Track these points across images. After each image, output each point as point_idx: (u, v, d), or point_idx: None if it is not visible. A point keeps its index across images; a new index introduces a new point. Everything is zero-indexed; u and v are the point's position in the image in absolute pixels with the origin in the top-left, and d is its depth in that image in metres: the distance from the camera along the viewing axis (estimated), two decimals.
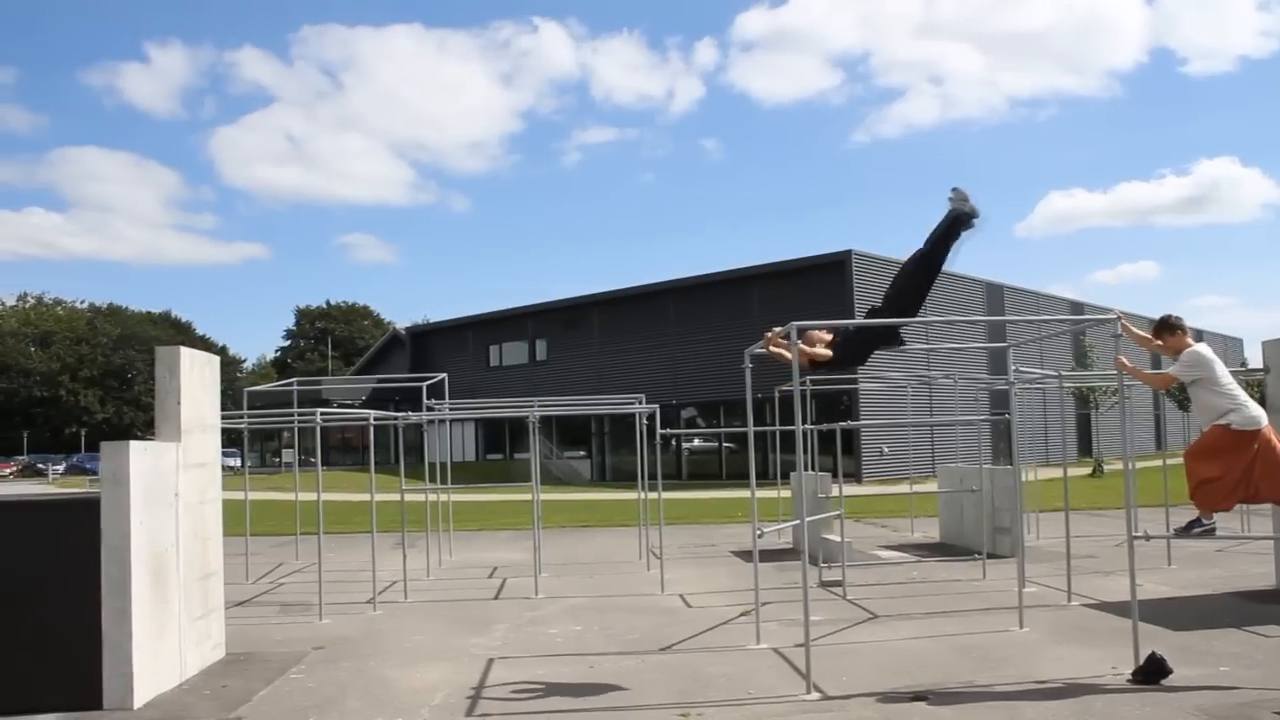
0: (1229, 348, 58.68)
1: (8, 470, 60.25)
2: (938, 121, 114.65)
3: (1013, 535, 11.32)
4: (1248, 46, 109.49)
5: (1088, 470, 34.40)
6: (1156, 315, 7.52)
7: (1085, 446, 42.54)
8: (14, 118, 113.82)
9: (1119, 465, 14.10)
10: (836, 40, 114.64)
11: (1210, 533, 7.33)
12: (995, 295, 41.95)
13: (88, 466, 53.55)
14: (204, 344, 79.94)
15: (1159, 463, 14.93)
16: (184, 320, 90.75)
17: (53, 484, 47.81)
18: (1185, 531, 7.43)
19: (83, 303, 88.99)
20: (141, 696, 6.68)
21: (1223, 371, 7.09)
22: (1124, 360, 7.51)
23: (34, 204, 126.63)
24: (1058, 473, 14.43)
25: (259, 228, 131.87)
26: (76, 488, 37.05)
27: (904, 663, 7.41)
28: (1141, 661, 6.62)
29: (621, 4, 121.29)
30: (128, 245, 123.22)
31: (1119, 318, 7.49)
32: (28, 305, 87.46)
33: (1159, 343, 7.49)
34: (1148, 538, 7.55)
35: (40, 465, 61.42)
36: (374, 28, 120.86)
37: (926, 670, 7.15)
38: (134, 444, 6.87)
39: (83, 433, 74.37)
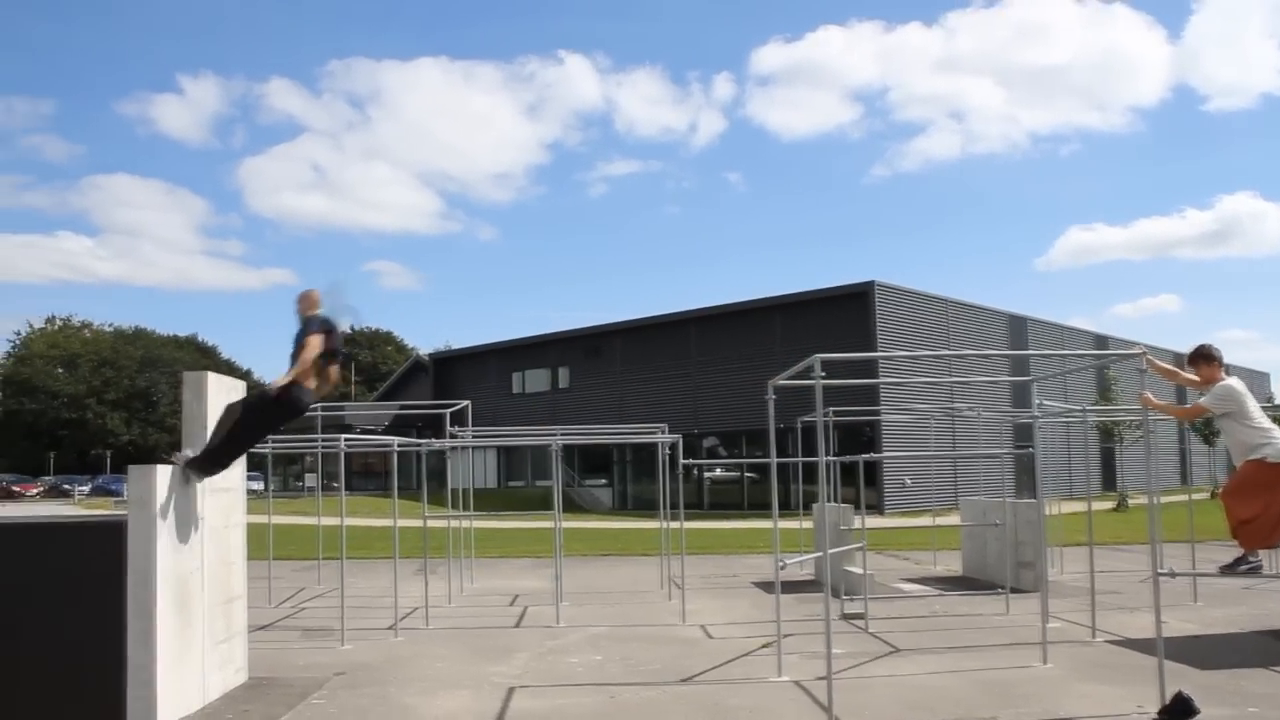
0: (1255, 382, 58.11)
1: (33, 491, 60.68)
2: (959, 156, 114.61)
3: (1036, 570, 11.23)
4: (1269, 83, 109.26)
5: (1112, 505, 34.08)
6: (1180, 349, 7.52)
7: (1109, 481, 42.16)
8: (51, 147, 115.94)
9: (1143, 500, 14.02)
10: (854, 75, 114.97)
11: (1256, 570, 7.22)
12: (1018, 327, 41.80)
13: (113, 488, 53.91)
14: (229, 368, 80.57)
15: (1184, 498, 14.78)
16: (209, 344, 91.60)
17: (78, 505, 48.08)
18: (1231, 569, 7.26)
19: (109, 326, 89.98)
20: (163, 719, 6.72)
21: (1254, 406, 7.04)
22: (1150, 396, 7.47)
23: (65, 229, 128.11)
24: (1081, 507, 14.33)
25: (286, 254, 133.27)
26: (101, 509, 37.32)
27: (926, 698, 7.36)
28: (1168, 700, 6.54)
29: (643, 37, 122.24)
30: (157, 270, 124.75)
31: (1144, 353, 7.47)
32: (55, 328, 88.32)
33: (1191, 377, 7.44)
34: (1173, 574, 7.44)
35: (66, 486, 61.85)
36: (400, 61, 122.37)
37: (949, 706, 7.09)
38: (160, 468, 6.94)
39: (108, 454, 74.94)
